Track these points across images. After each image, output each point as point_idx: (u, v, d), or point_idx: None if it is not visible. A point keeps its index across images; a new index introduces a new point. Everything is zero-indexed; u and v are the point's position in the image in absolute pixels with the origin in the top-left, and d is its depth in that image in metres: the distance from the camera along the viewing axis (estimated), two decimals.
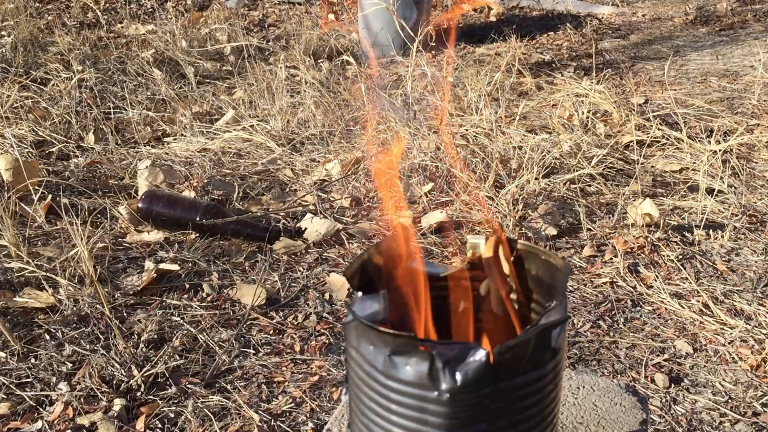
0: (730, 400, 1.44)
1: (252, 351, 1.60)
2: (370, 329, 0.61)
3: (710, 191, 2.27)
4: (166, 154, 2.67)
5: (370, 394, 0.64)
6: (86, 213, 2.16)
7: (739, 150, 2.57)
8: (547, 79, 3.42)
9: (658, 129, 2.65)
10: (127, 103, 3.10)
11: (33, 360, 1.55)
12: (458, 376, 0.59)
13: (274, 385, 1.50)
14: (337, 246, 2.04)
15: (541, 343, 0.61)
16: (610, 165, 2.47)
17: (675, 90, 3.28)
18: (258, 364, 1.56)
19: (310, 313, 1.73)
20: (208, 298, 1.80)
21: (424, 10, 4.04)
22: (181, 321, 1.69)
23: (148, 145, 2.76)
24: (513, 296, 0.77)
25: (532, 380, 0.62)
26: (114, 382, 1.47)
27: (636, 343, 1.62)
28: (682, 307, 1.73)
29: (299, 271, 1.92)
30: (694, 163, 2.47)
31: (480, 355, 0.58)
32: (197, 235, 2.08)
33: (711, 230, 2.08)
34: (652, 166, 2.50)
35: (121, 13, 4.67)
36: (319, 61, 3.70)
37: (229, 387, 1.48)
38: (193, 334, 1.64)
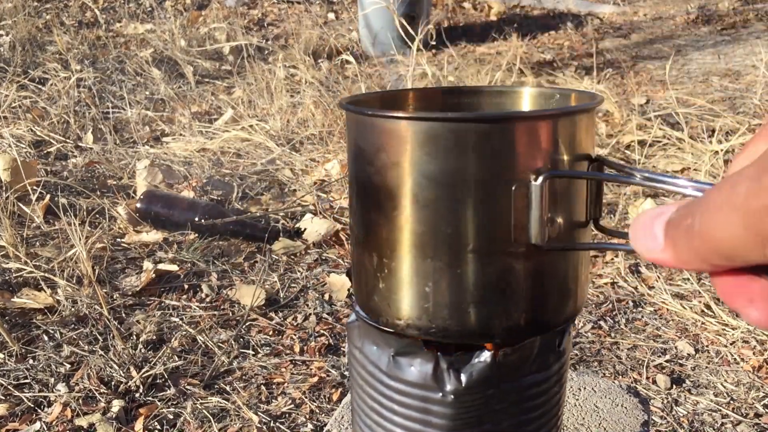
0: (731, 402, 1.43)
1: (251, 352, 1.59)
2: (375, 329, 0.60)
3: None
4: (165, 154, 2.66)
5: (373, 395, 0.63)
6: (84, 213, 2.15)
7: (741, 150, 2.56)
8: (548, 78, 3.41)
9: (660, 129, 2.64)
10: (126, 103, 3.09)
11: (31, 361, 1.54)
12: (463, 378, 0.58)
13: (274, 387, 1.49)
14: (336, 246, 2.03)
15: (547, 346, 0.61)
16: None
17: (676, 89, 3.27)
18: (257, 365, 1.55)
19: (310, 314, 1.72)
20: (207, 299, 1.79)
21: (424, 9, 4.03)
22: (180, 322, 1.68)
23: (147, 145, 2.75)
24: None
25: (537, 382, 0.61)
26: (112, 383, 1.46)
27: (637, 344, 1.61)
28: (684, 307, 1.73)
29: (299, 271, 1.91)
30: (695, 163, 2.46)
31: (485, 356, 0.58)
32: (196, 235, 2.07)
33: None
34: (654, 166, 2.49)
35: (120, 13, 4.66)
36: (319, 60, 3.69)
37: (228, 388, 1.47)
38: (192, 334, 1.63)
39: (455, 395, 0.58)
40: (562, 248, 0.53)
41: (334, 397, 1.44)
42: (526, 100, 0.66)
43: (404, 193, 0.52)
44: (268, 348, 1.61)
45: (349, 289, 1.79)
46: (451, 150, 0.49)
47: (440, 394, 0.58)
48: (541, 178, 0.49)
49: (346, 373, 1.51)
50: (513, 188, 0.49)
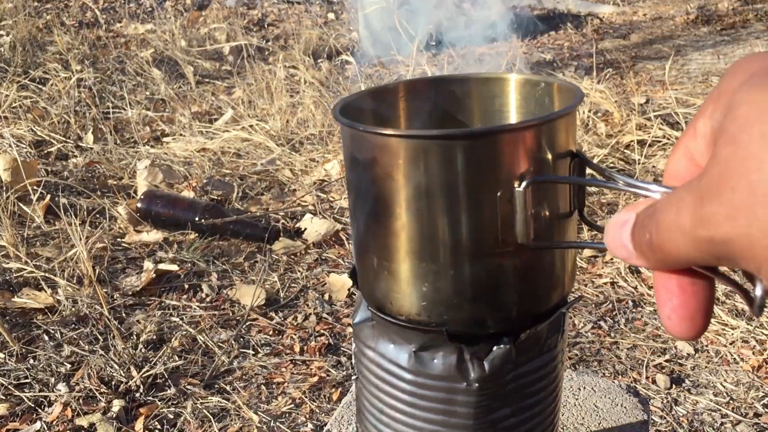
0: (731, 401, 1.44)
1: (251, 352, 1.59)
2: (396, 326, 0.61)
3: None
4: (165, 153, 2.66)
5: (392, 392, 0.64)
6: (85, 213, 2.15)
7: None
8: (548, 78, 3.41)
9: (659, 129, 2.64)
10: (126, 103, 3.09)
11: (32, 361, 1.54)
12: (486, 366, 0.60)
13: (274, 386, 1.49)
14: (336, 246, 2.03)
15: (554, 327, 0.64)
16: (611, 165, 2.47)
17: (676, 89, 3.27)
18: (257, 365, 1.55)
19: (310, 314, 1.72)
20: (208, 299, 1.79)
21: (424, 9, 4.04)
22: (180, 321, 1.69)
23: (147, 145, 2.75)
24: None
25: (546, 362, 0.64)
26: (113, 382, 1.46)
27: (637, 343, 1.61)
28: None
29: (299, 271, 1.91)
30: None
31: (504, 342, 0.60)
32: (196, 235, 2.07)
33: None
34: (654, 166, 2.49)
35: (120, 13, 4.67)
36: (319, 60, 3.69)
37: (228, 388, 1.47)
38: (192, 334, 1.64)
39: (479, 383, 0.60)
40: (546, 247, 0.57)
41: (334, 397, 1.44)
42: (513, 87, 0.68)
43: (398, 203, 0.54)
44: (268, 348, 1.61)
45: (349, 289, 1.80)
46: (440, 164, 0.52)
47: (464, 383, 0.60)
48: (524, 184, 0.52)
49: (347, 372, 1.51)
50: (498, 194, 0.52)
